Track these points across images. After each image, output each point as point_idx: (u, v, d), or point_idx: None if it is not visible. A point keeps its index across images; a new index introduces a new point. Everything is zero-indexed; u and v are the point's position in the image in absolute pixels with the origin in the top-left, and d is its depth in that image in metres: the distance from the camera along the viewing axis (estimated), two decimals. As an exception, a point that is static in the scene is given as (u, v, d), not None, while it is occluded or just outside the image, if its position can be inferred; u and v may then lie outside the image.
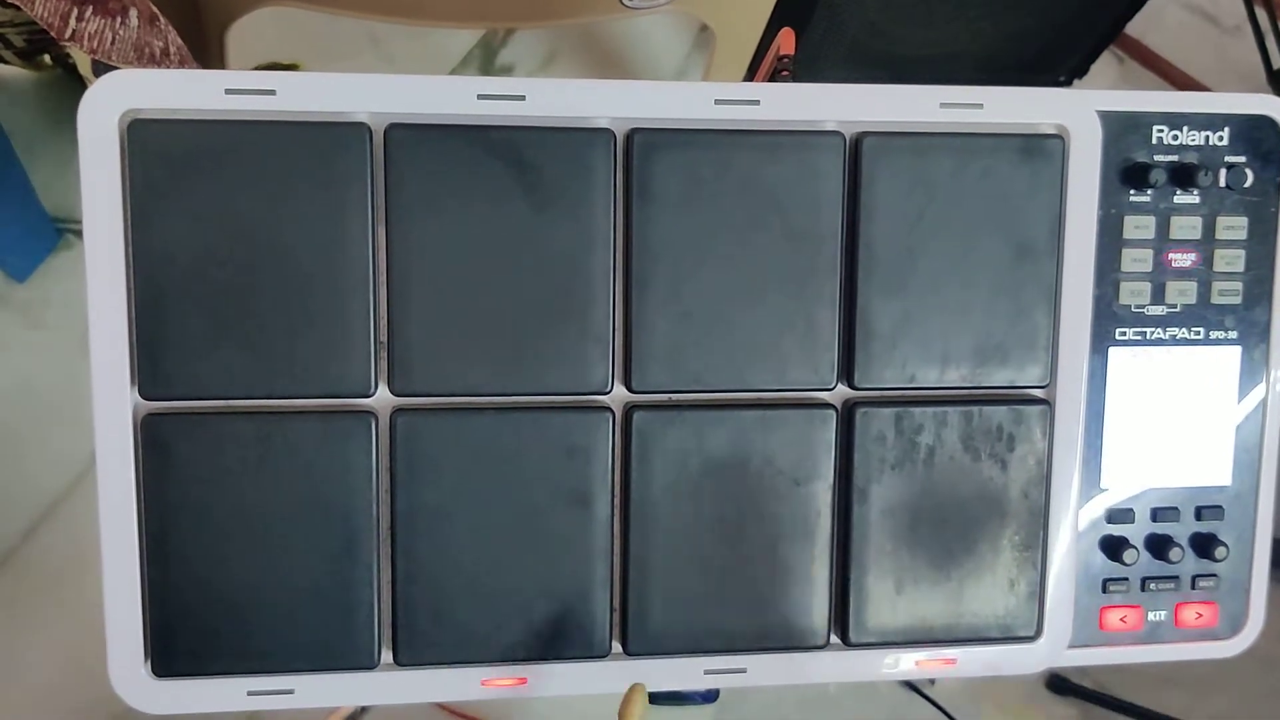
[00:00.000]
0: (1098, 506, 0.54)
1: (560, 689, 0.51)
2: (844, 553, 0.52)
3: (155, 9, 0.68)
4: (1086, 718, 1.12)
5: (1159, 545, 0.54)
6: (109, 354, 0.47)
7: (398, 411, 0.48)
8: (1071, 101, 0.51)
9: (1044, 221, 0.51)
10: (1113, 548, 0.54)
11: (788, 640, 0.52)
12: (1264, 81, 1.15)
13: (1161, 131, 0.52)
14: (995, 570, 0.52)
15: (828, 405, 0.51)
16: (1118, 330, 0.53)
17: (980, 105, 0.51)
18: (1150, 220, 0.52)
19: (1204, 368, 0.54)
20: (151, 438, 0.47)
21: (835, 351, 0.50)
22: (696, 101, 0.49)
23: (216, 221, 0.46)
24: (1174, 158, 0.52)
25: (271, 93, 0.46)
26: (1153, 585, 0.54)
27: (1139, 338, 0.53)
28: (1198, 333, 0.53)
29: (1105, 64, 1.24)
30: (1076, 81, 1.13)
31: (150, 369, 0.47)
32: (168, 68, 0.69)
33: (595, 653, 0.51)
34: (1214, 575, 0.55)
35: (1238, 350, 0.54)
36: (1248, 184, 0.53)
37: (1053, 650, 0.54)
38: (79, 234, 1.00)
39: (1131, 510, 0.54)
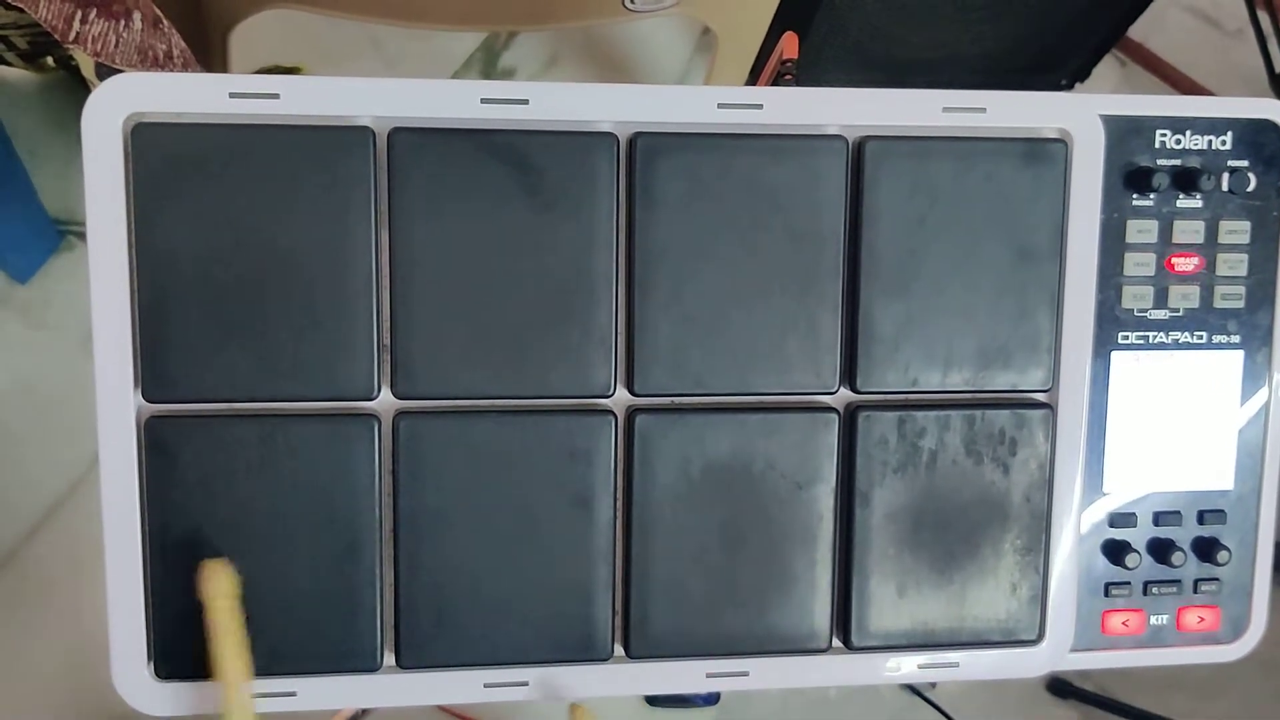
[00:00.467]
0: (1100, 510, 0.54)
1: (562, 692, 0.51)
2: (846, 556, 0.52)
3: (159, 12, 0.68)
4: (1088, 721, 1.12)
5: (1161, 549, 0.54)
6: (112, 356, 0.47)
7: (400, 414, 0.48)
8: (1074, 105, 0.51)
9: (1046, 225, 0.51)
10: (1115, 551, 0.54)
11: (790, 643, 0.52)
12: (1266, 85, 1.15)
13: (1164, 136, 0.52)
14: (997, 574, 0.52)
15: (830, 409, 0.51)
16: (1120, 334, 0.53)
17: (983, 109, 0.51)
18: (1153, 224, 0.52)
19: (1206, 372, 0.54)
20: (154, 440, 0.47)
21: (838, 355, 0.50)
22: (699, 105, 0.49)
23: (220, 224, 0.46)
24: (1177, 162, 0.52)
25: (275, 96, 0.47)
26: (1155, 589, 0.54)
27: (1141, 342, 0.53)
28: (1200, 337, 0.53)
29: (1107, 67, 1.24)
30: (1079, 85, 1.13)
31: (153, 371, 0.47)
32: (171, 71, 0.69)
33: (597, 655, 0.51)
34: (1216, 579, 0.55)
35: (1240, 354, 0.54)
36: (1250, 188, 0.53)
37: (1055, 654, 0.54)
38: (80, 235, 1.00)
39: (1134, 514, 0.54)
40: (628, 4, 0.89)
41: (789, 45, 0.79)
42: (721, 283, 0.49)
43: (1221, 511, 0.54)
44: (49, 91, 1.03)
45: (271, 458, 0.48)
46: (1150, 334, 0.53)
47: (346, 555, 0.48)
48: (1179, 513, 0.54)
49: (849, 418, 0.51)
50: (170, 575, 0.48)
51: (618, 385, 0.50)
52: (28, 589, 0.99)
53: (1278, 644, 0.59)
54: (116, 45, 0.65)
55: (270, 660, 0.48)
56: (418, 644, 0.49)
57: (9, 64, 0.97)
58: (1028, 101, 0.51)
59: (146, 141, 0.46)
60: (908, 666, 0.53)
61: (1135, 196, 0.52)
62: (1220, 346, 0.53)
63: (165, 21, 0.68)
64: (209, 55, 0.90)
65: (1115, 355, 0.53)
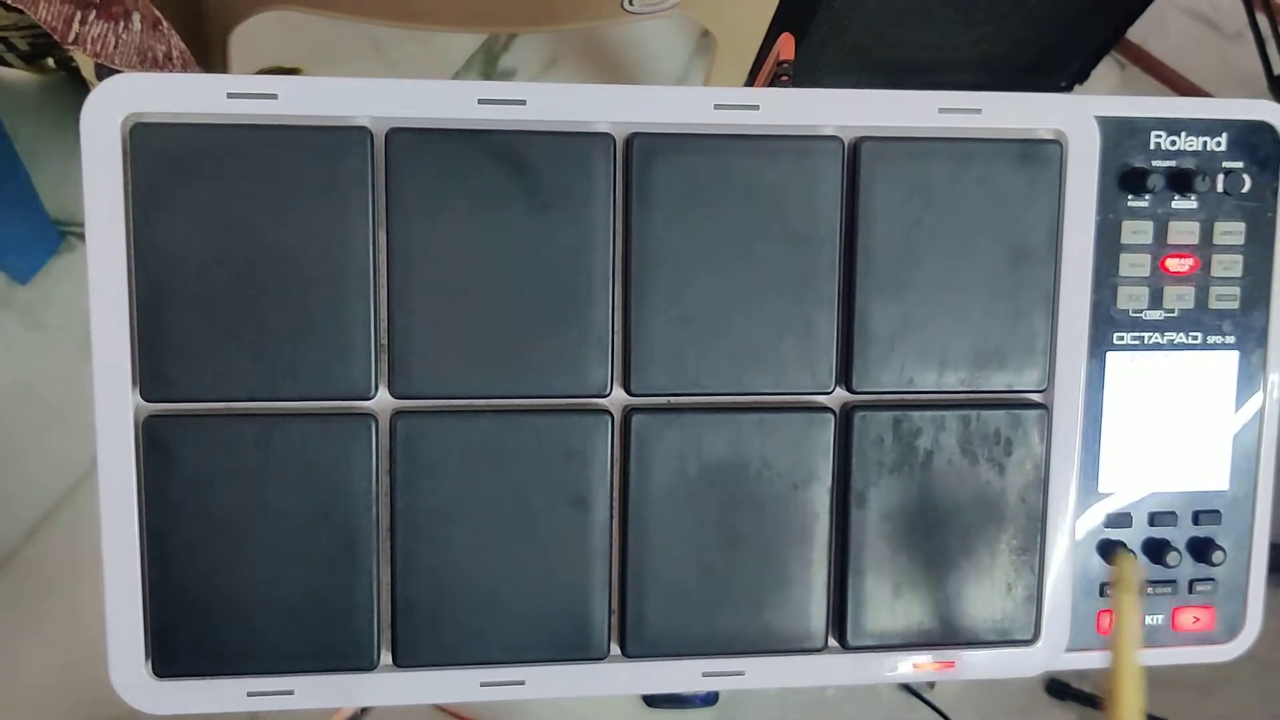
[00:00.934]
0: (1095, 511, 0.54)
1: (558, 691, 0.51)
2: (842, 556, 0.52)
3: (158, 13, 0.68)
4: (1086, 722, 1.12)
5: (1156, 549, 0.54)
6: (110, 356, 0.47)
7: (398, 414, 0.48)
8: (1069, 107, 0.51)
9: (1042, 226, 0.51)
10: (1110, 552, 0.54)
11: (786, 643, 0.52)
12: (1265, 88, 1.16)
13: (1159, 137, 0.52)
14: (993, 574, 0.53)
15: (826, 409, 0.51)
16: (1115, 335, 0.53)
17: (978, 110, 0.51)
18: (1148, 225, 0.53)
19: (1201, 372, 0.54)
20: (153, 439, 0.47)
21: (833, 355, 0.51)
22: (696, 106, 0.49)
23: (218, 224, 0.47)
24: (1172, 163, 0.52)
25: (273, 97, 0.47)
26: (1150, 589, 0.54)
27: (1136, 342, 0.53)
28: (1195, 338, 0.53)
29: (1106, 69, 1.24)
30: (1077, 87, 1.13)
31: (152, 371, 0.47)
32: (170, 71, 0.69)
33: (593, 655, 0.51)
34: (1211, 579, 0.55)
35: (1235, 355, 0.54)
36: (1245, 189, 0.53)
37: (1050, 653, 0.54)
38: (80, 236, 1.00)
39: (1129, 514, 0.54)
40: (627, 6, 0.89)
41: (785, 47, 0.79)
42: (718, 283, 0.49)
43: (1217, 512, 0.54)
44: (49, 93, 1.03)
45: (269, 457, 0.48)
46: (1145, 335, 0.53)
47: (344, 554, 0.48)
48: (1174, 513, 0.54)
49: (845, 418, 0.51)
50: (168, 574, 0.48)
51: (614, 385, 0.50)
52: (27, 588, 0.99)
53: (1274, 644, 0.60)
54: (116, 46, 0.65)
55: (268, 659, 0.49)
56: (414, 643, 0.50)
57: (9, 65, 0.97)
58: (1023, 102, 0.51)
59: (145, 141, 0.46)
60: (904, 666, 0.53)
61: (1130, 197, 0.52)
62: (1215, 347, 0.54)
63: (165, 23, 0.68)
64: (209, 57, 0.90)
65: (1110, 356, 0.53)
